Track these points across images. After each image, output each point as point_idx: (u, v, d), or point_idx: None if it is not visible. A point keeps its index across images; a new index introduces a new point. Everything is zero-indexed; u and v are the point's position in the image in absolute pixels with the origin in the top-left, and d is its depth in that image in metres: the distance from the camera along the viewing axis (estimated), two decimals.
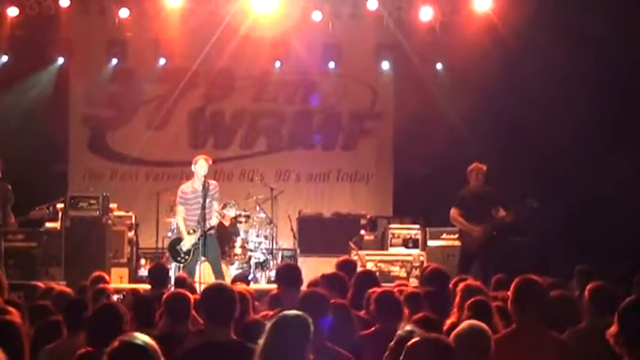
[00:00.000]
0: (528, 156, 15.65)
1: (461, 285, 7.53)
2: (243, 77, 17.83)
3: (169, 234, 13.78)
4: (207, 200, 11.96)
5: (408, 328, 4.93)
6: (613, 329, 4.77)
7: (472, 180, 13.04)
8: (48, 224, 14.45)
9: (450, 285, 8.30)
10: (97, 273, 9.57)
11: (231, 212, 12.89)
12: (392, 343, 4.77)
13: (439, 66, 17.39)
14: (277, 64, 17.60)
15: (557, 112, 15.34)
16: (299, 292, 6.80)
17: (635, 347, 4.63)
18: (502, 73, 15.81)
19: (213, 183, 12.31)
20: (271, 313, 6.56)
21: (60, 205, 14.20)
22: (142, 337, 4.07)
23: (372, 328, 6.59)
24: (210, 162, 12.25)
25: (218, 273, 12.04)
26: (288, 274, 7.66)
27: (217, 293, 5.57)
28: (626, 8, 14.36)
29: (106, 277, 9.88)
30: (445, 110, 16.61)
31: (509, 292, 6.09)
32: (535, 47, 15.34)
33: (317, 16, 16.52)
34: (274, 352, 4.52)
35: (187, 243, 12.14)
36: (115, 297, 8.31)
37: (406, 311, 6.77)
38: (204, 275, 11.75)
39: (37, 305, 7.34)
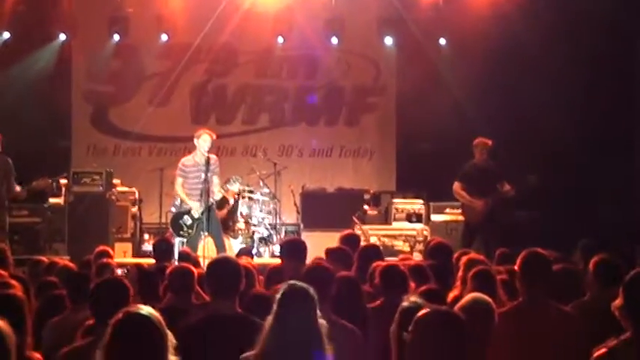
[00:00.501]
0: (532, 130, 15.64)
1: (464, 258, 7.56)
2: (245, 53, 17.79)
3: (172, 209, 13.80)
4: (209, 174, 11.99)
5: (413, 299, 4.93)
6: (618, 302, 4.77)
7: (477, 154, 13.20)
8: (51, 199, 14.47)
9: (453, 259, 8.31)
10: (100, 247, 9.58)
11: (234, 187, 12.91)
12: (397, 314, 4.78)
13: (442, 41, 17.30)
14: (280, 39, 17.53)
15: (560, 87, 15.34)
16: (303, 266, 6.81)
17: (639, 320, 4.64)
18: (505, 47, 15.80)
19: (213, 157, 12.32)
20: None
21: (63, 181, 14.21)
22: (146, 309, 4.09)
23: (377, 302, 6.60)
24: (215, 137, 12.26)
25: (220, 246, 12.08)
26: (293, 248, 7.68)
27: (223, 266, 5.58)
28: None
29: (110, 251, 9.90)
30: (448, 85, 16.57)
31: (515, 266, 6.09)
32: (538, 21, 15.28)
33: None
34: (286, 322, 4.52)
35: (194, 212, 12.15)
36: (118, 271, 8.32)
37: (412, 284, 6.78)
38: (207, 249, 11.77)
39: (42, 280, 7.36)
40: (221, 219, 13.32)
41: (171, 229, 12.55)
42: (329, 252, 7.88)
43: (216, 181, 12.20)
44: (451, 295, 6.89)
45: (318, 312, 4.60)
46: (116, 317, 4.04)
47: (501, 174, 13.09)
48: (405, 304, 4.84)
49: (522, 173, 13.26)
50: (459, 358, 4.21)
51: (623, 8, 14.62)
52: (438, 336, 4.19)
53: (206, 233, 11.96)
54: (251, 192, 15.06)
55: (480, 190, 13.01)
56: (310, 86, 18.02)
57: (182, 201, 12.48)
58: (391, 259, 8.85)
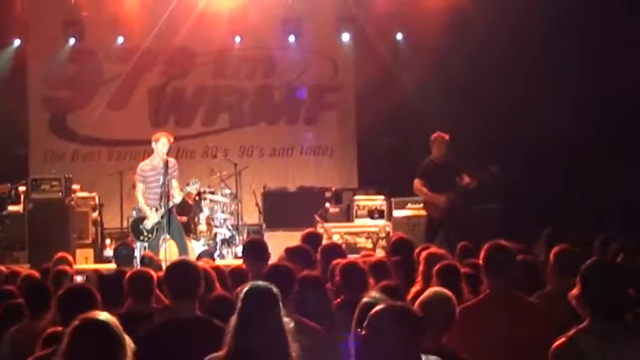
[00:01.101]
0: (489, 122, 15.70)
1: (424, 253, 7.56)
2: (202, 54, 17.73)
3: (134, 213, 13.71)
4: (167, 178, 11.93)
5: (373, 294, 4.92)
6: (575, 291, 4.79)
7: (435, 150, 13.17)
8: (10, 207, 14.32)
9: (415, 254, 8.31)
10: (59, 254, 9.48)
11: (193, 189, 12.83)
12: (356, 310, 4.76)
13: (399, 36, 17.37)
14: (237, 39, 17.50)
15: (514, 76, 15.37)
16: (265, 267, 6.78)
17: (597, 308, 4.66)
18: (461, 42, 15.84)
19: (172, 161, 12.25)
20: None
21: (22, 188, 14.07)
22: (103, 315, 4.06)
23: (338, 299, 6.58)
24: (172, 139, 12.19)
25: (183, 249, 12.01)
26: (254, 249, 7.65)
27: (181, 269, 5.56)
28: None
29: (69, 257, 9.80)
30: (406, 80, 16.62)
31: (479, 259, 6.09)
32: (493, 15, 15.35)
33: None
34: (251, 322, 4.50)
35: (150, 220, 12.09)
36: (78, 278, 8.26)
37: (371, 281, 6.77)
38: (169, 253, 11.70)
39: (2, 290, 7.28)
40: (183, 222, 13.27)
41: (131, 234, 12.46)
42: (289, 251, 7.86)
43: (175, 184, 12.12)
44: (413, 291, 6.89)
45: (283, 311, 4.60)
46: (73, 324, 4.01)
47: (460, 167, 13.12)
48: (365, 299, 4.83)
49: (482, 165, 13.30)
50: (412, 353, 4.21)
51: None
52: (390, 331, 4.16)
53: (167, 236, 11.87)
54: (212, 193, 14.98)
55: (441, 185, 13.00)
56: (269, 85, 17.99)
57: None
58: (354, 257, 8.84)
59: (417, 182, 13.21)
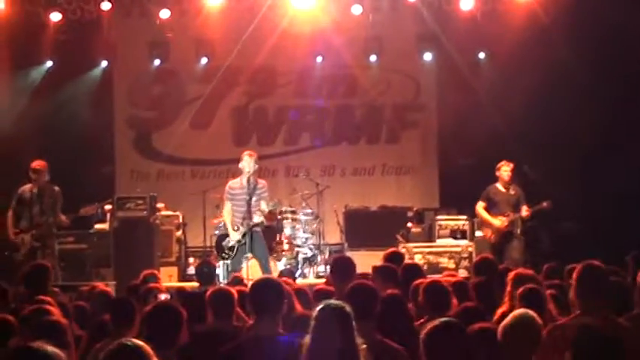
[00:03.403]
0: (571, 146, 15.53)
1: (511, 274, 7.45)
2: (284, 73, 17.85)
3: (217, 232, 13.80)
4: (255, 199, 11.99)
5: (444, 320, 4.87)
6: None
7: (500, 176, 13.51)
8: (97, 226, 14.58)
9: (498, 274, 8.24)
10: (147, 272, 9.56)
11: (265, 208, 12.64)
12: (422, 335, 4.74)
13: (481, 55, 17.26)
14: (319, 58, 17.58)
15: (599, 102, 15.19)
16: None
17: None
18: (545, 61, 15.66)
19: (262, 182, 12.31)
20: None
21: (108, 207, 14.28)
22: (135, 341, 4.10)
23: (421, 320, 6.54)
24: (255, 156, 12.23)
25: (266, 269, 12.04)
26: (341, 266, 7.65)
27: (265, 287, 5.56)
28: None
29: (157, 274, 9.88)
30: (488, 100, 16.49)
31: (572, 280, 5.99)
32: (576, 33, 15.18)
33: (357, 9, 16.50)
34: (321, 340, 4.51)
35: (232, 239, 12.18)
36: (162, 296, 8.33)
37: (454, 301, 6.72)
38: (251, 272, 11.77)
39: (77, 306, 7.38)
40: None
41: (215, 251, 12.58)
42: (375, 270, 7.83)
43: (263, 206, 12.15)
44: (499, 312, 6.80)
45: (356, 332, 4.60)
46: (108, 348, 4.06)
47: (522, 197, 13.45)
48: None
49: (558, 185, 13.40)
50: None
51: None
52: (439, 347, 4.33)
53: (249, 255, 11.94)
54: (293, 212, 15.04)
55: (502, 211, 13.41)
56: (350, 104, 18.02)
57: (225, 225, 12.53)
58: (436, 277, 8.78)
59: (478, 204, 13.63)
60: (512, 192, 13.47)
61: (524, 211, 13.28)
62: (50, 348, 3.89)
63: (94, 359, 6.24)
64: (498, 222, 13.35)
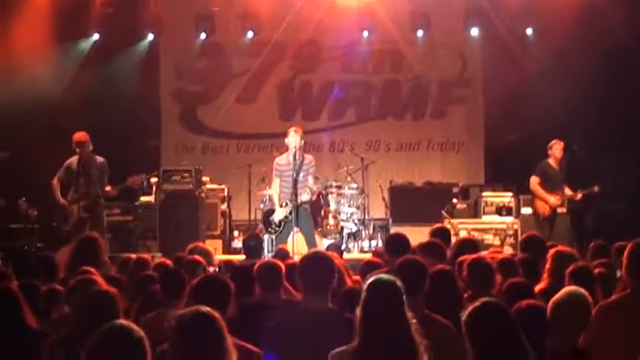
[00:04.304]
0: (622, 121, 15.38)
1: (552, 251, 7.40)
2: (330, 48, 17.79)
3: (261, 205, 13.83)
4: (302, 174, 11.98)
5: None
6: None
7: (552, 154, 13.83)
8: (143, 198, 14.70)
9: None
10: (195, 244, 9.58)
11: (312, 184, 12.71)
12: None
13: (529, 31, 17.09)
14: (365, 33, 17.51)
15: None
16: None
17: None
18: (594, 37, 15.47)
19: (308, 157, 12.27)
20: None
21: (154, 179, 14.38)
22: (206, 308, 4.19)
23: (466, 295, 6.52)
24: (301, 133, 12.20)
25: (311, 244, 12.05)
26: (397, 243, 7.65)
27: (316, 261, 5.55)
28: None
29: (206, 247, 9.89)
30: (535, 76, 16.35)
31: (624, 258, 5.94)
32: (629, 9, 14.98)
33: None
34: (373, 314, 4.52)
35: (279, 215, 12.20)
36: (210, 269, 8.37)
37: (499, 278, 6.69)
38: (297, 246, 11.79)
39: (142, 277, 7.42)
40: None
41: (261, 225, 12.61)
42: (421, 246, 7.81)
43: (310, 181, 12.16)
44: (537, 288, 6.77)
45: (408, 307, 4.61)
46: (184, 313, 4.14)
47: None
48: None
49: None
50: (514, 347, 4.30)
51: None
52: (481, 328, 4.33)
53: (296, 229, 11.95)
54: (339, 187, 15.04)
55: (553, 187, 13.76)
56: (396, 80, 17.95)
57: (271, 198, 12.56)
58: (481, 253, 8.74)
59: (533, 179, 13.89)
60: (562, 170, 13.82)
61: (578, 194, 13.73)
62: (134, 326, 3.98)
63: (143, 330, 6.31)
64: (554, 199, 13.65)
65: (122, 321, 4.19)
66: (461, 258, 7.25)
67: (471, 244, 8.29)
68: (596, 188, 13.68)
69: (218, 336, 4.18)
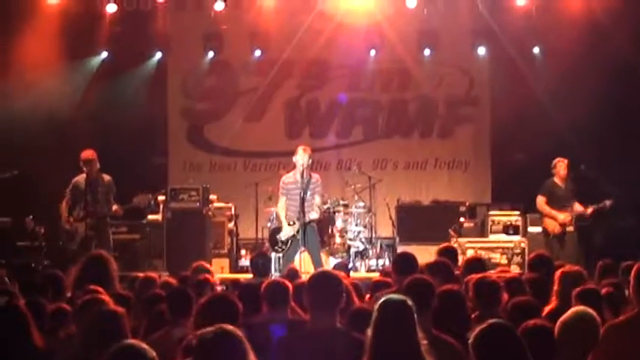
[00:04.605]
0: (628, 140, 15.38)
1: (558, 272, 7.38)
2: (337, 66, 17.81)
3: (269, 224, 13.83)
4: (309, 193, 11.99)
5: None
6: None
7: (557, 173, 13.87)
8: (150, 216, 14.70)
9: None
10: (197, 263, 9.59)
11: (319, 203, 12.72)
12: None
13: (536, 50, 17.10)
14: (372, 52, 17.54)
15: None
16: None
17: None
18: (600, 56, 15.51)
19: (315, 176, 12.29)
20: None
21: (161, 197, 14.39)
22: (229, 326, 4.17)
23: (472, 315, 6.50)
24: (309, 152, 12.22)
25: (317, 263, 12.05)
26: (404, 262, 7.64)
27: (324, 280, 5.56)
28: None
29: (208, 266, 9.90)
30: (543, 95, 16.36)
31: (631, 277, 5.92)
32: (633, 28, 15.00)
33: (411, 3, 16.42)
34: (384, 334, 4.52)
35: (286, 233, 12.19)
36: (218, 288, 8.37)
37: (505, 296, 6.67)
38: (304, 265, 11.78)
39: (149, 295, 7.40)
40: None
41: (267, 244, 12.60)
42: (429, 265, 7.80)
43: (317, 200, 12.18)
44: (547, 309, 6.75)
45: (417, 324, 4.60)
46: (207, 331, 4.13)
47: (576, 193, 13.86)
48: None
49: (613, 183, 13.98)
50: None
51: None
52: (487, 350, 4.32)
53: (302, 248, 11.95)
54: (346, 206, 15.04)
55: (560, 205, 13.77)
56: (403, 98, 17.96)
57: (277, 217, 12.56)
58: (489, 272, 8.72)
59: (539, 199, 13.93)
60: (568, 187, 13.81)
61: (589, 209, 13.68)
62: (145, 346, 3.97)
63: (152, 347, 6.30)
64: (562, 216, 13.65)
65: (132, 341, 4.18)
66: (467, 278, 7.25)
67: (478, 264, 8.28)
68: (607, 202, 13.65)
69: (242, 354, 4.17)
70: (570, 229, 13.68)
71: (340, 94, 17.86)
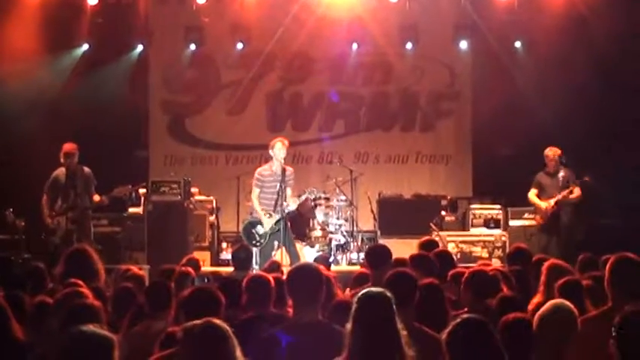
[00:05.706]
0: (609, 134, 15.42)
1: (546, 264, 7.41)
2: (320, 59, 17.79)
3: (250, 217, 13.84)
4: (284, 186, 12.04)
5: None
6: None
7: (548, 162, 13.65)
8: (131, 209, 14.65)
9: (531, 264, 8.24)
10: (190, 256, 9.55)
11: (302, 197, 12.90)
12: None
13: (518, 44, 17.13)
14: (354, 45, 17.54)
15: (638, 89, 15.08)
16: (386, 273, 6.75)
17: None
18: (582, 50, 15.54)
19: (289, 169, 12.36)
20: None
21: (142, 190, 14.35)
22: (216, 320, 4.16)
23: (464, 309, 6.49)
24: (287, 144, 12.28)
25: (294, 254, 12.10)
26: (377, 255, 7.65)
27: (304, 273, 5.55)
28: None
29: (198, 260, 9.89)
30: (524, 89, 16.40)
31: (606, 271, 5.94)
32: (615, 22, 15.04)
33: None
34: (364, 326, 4.52)
35: (265, 226, 12.20)
36: (196, 281, 8.35)
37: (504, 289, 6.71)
38: (284, 259, 11.79)
39: (127, 288, 7.37)
40: (298, 227, 13.38)
41: (243, 238, 12.57)
42: (412, 258, 7.82)
43: (289, 192, 12.25)
44: (534, 301, 6.78)
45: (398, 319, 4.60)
46: (193, 325, 4.11)
47: (569, 181, 13.51)
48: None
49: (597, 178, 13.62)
50: None
51: None
52: (466, 343, 4.34)
53: (279, 243, 11.96)
54: (327, 199, 15.04)
55: (551, 196, 13.53)
56: (385, 92, 17.96)
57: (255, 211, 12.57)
58: (470, 266, 8.77)
59: (530, 192, 13.76)
60: (559, 176, 13.56)
61: (571, 188, 13.39)
62: (102, 331, 3.92)
63: (128, 343, 6.27)
64: (545, 204, 13.48)
65: (89, 326, 4.09)
66: (452, 271, 7.29)
67: (448, 257, 8.37)
68: (586, 178, 13.41)
69: (230, 347, 4.16)
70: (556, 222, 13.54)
71: (332, 92, 17.83)
